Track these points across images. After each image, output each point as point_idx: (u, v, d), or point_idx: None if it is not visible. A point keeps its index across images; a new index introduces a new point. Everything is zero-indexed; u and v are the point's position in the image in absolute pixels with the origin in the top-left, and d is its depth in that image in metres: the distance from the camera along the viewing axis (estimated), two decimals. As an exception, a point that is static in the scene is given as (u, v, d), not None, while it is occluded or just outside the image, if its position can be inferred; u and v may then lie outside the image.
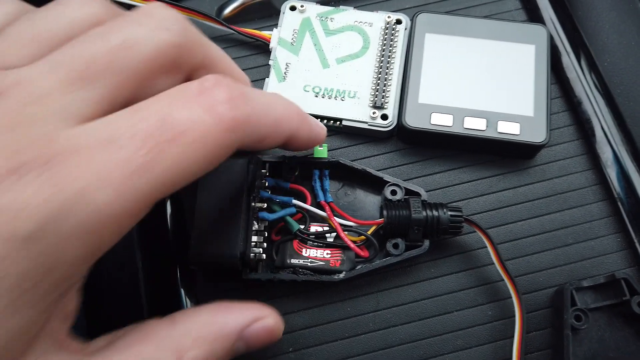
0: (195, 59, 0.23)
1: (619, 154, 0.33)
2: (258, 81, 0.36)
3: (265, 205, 0.29)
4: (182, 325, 0.23)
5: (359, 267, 0.30)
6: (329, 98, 0.34)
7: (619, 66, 0.37)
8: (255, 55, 0.37)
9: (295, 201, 0.30)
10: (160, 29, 0.21)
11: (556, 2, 0.37)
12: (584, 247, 0.31)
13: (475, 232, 0.30)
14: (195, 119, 0.19)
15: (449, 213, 0.29)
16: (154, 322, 0.23)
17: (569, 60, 0.36)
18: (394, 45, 0.35)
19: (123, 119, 0.19)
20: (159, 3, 0.22)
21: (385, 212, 0.30)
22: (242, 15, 0.39)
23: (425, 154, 0.34)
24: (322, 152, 0.31)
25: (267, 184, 0.30)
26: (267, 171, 0.30)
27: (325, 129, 0.29)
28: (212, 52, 0.24)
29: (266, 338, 0.24)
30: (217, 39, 0.37)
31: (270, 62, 0.35)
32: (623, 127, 0.34)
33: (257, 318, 0.24)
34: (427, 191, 0.32)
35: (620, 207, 0.32)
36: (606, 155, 0.33)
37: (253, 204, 0.28)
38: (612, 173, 0.32)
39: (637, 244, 0.31)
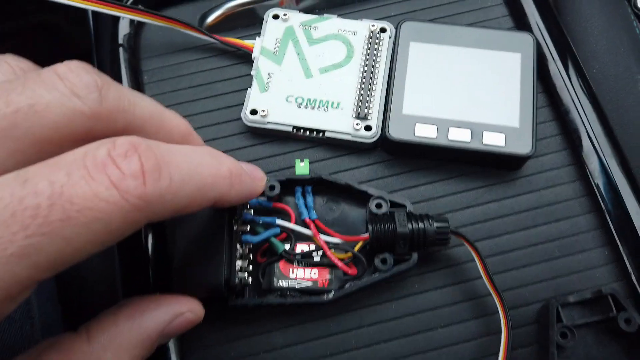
0: (113, 127, 0.20)
1: (607, 164, 0.32)
2: (240, 91, 0.35)
3: (249, 227, 0.28)
4: (99, 339, 0.21)
5: (347, 285, 0.29)
6: (312, 109, 0.33)
7: (607, 73, 0.36)
8: (237, 65, 0.36)
9: (279, 221, 0.30)
10: (73, 95, 0.19)
11: (543, 8, 0.36)
12: (571, 260, 0.31)
13: (463, 245, 0.30)
14: (96, 195, 0.17)
15: (435, 224, 0.29)
16: (69, 337, 0.21)
17: (555, 67, 0.35)
18: (379, 54, 0.34)
19: (8, 188, 0.16)
20: (76, 63, 0.20)
21: (370, 227, 0.29)
22: (225, 24, 0.38)
23: (410, 165, 0.33)
24: (303, 168, 0.31)
25: (249, 205, 0.29)
26: None
27: (264, 179, 0.26)
28: (137, 113, 0.21)
29: (186, 328, 0.24)
30: (199, 48, 0.37)
31: (253, 72, 0.35)
32: (611, 137, 0.33)
33: (177, 314, 0.23)
34: (412, 203, 0.32)
35: (608, 219, 0.31)
36: (593, 165, 0.32)
37: (235, 227, 0.27)
38: (600, 184, 0.32)
39: (624, 257, 0.30)
